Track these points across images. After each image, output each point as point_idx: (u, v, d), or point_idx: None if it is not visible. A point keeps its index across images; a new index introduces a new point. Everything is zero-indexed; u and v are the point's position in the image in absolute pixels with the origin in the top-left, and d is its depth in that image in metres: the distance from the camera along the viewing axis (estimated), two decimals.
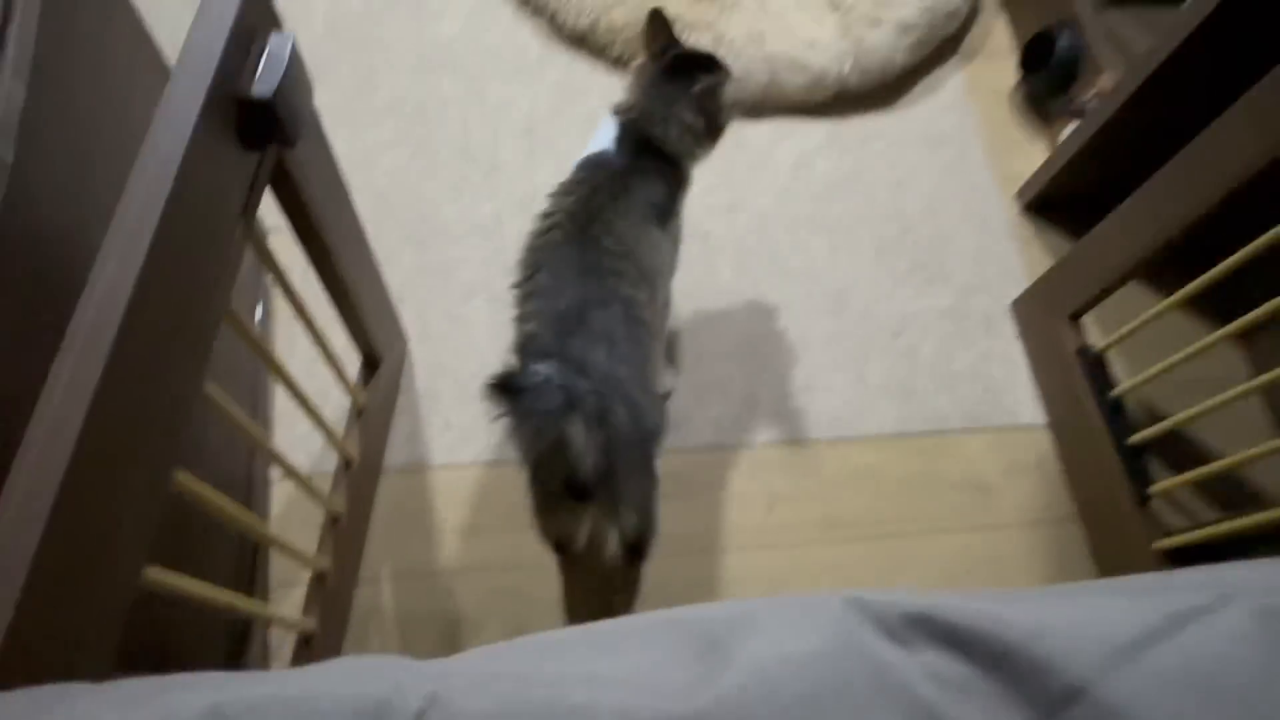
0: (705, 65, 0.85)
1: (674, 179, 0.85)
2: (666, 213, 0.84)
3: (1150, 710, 0.18)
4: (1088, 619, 0.21)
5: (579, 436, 0.64)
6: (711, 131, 0.85)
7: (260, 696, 0.30)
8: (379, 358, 0.95)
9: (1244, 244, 0.83)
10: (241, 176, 0.59)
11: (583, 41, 1.27)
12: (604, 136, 0.84)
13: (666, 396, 1.04)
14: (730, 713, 0.18)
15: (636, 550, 0.78)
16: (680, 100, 0.83)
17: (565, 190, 0.80)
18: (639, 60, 0.88)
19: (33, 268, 0.55)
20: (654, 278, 0.80)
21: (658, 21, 0.85)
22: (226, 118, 0.55)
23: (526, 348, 0.70)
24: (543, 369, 0.64)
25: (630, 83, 0.87)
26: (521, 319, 0.75)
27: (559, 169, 0.84)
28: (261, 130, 0.58)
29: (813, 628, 0.20)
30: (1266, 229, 0.80)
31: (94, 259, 0.46)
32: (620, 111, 0.85)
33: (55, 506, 0.39)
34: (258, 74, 0.58)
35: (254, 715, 0.29)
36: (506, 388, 0.61)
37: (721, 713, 0.18)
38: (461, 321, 1.09)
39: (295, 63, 0.58)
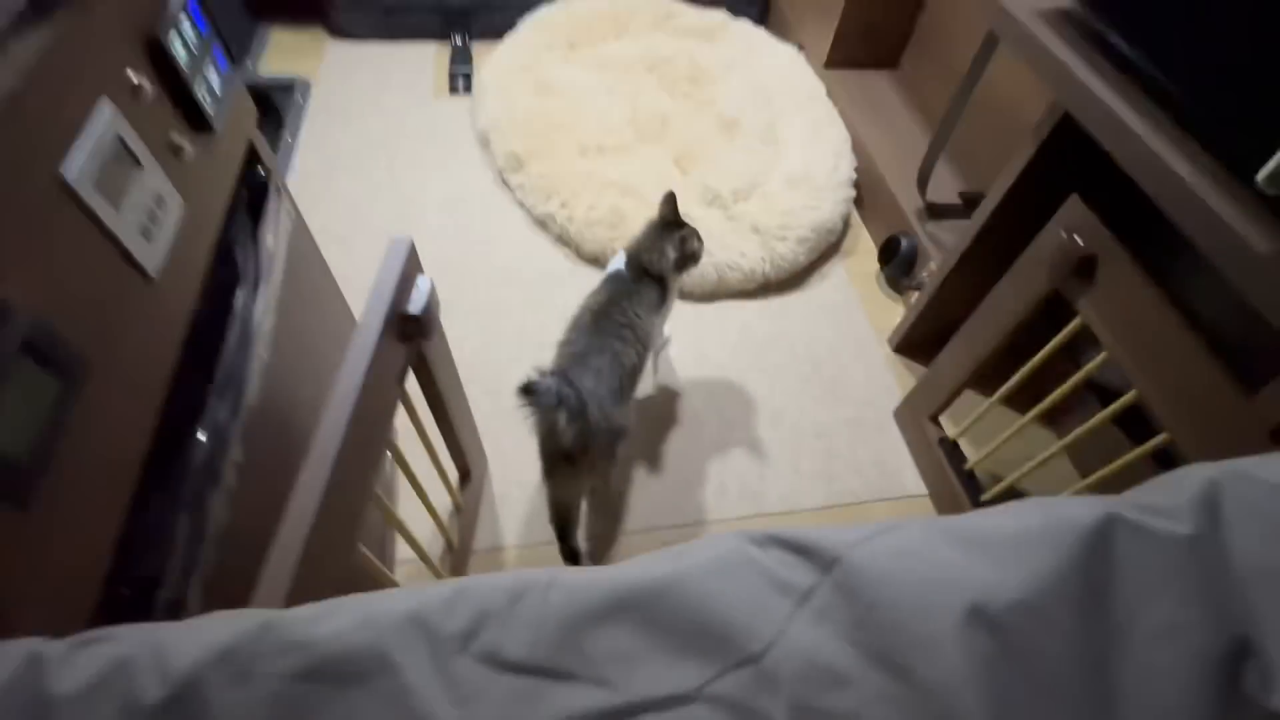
0: (681, 226, 1.03)
1: (661, 288, 1.02)
2: (656, 305, 1.01)
3: (870, 565, 0.28)
4: (846, 530, 0.30)
5: (562, 422, 0.81)
6: (681, 265, 1.03)
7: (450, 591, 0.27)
8: (470, 471, 1.03)
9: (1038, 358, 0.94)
10: (400, 359, 0.70)
11: (595, 261, 1.41)
12: (618, 262, 1.03)
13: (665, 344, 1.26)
14: (680, 578, 0.27)
15: (600, 482, 0.99)
16: (665, 243, 1.01)
17: (595, 292, 1.00)
18: (649, 219, 1.06)
19: (279, 420, 0.67)
20: (645, 339, 0.97)
21: (670, 200, 1.04)
22: (394, 326, 0.66)
23: (546, 371, 0.84)
24: (548, 381, 0.79)
25: (639, 232, 1.05)
26: (554, 359, 0.92)
27: None
28: (413, 332, 0.69)
29: (720, 544, 0.29)
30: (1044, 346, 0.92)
31: (313, 413, 0.58)
32: (628, 249, 1.03)
33: (307, 540, 0.49)
34: (411, 299, 0.70)
35: (448, 608, 0.26)
36: (526, 389, 0.77)
37: (677, 577, 0.27)
38: (523, 447, 1.15)
39: (432, 292, 0.72)
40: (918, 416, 1.18)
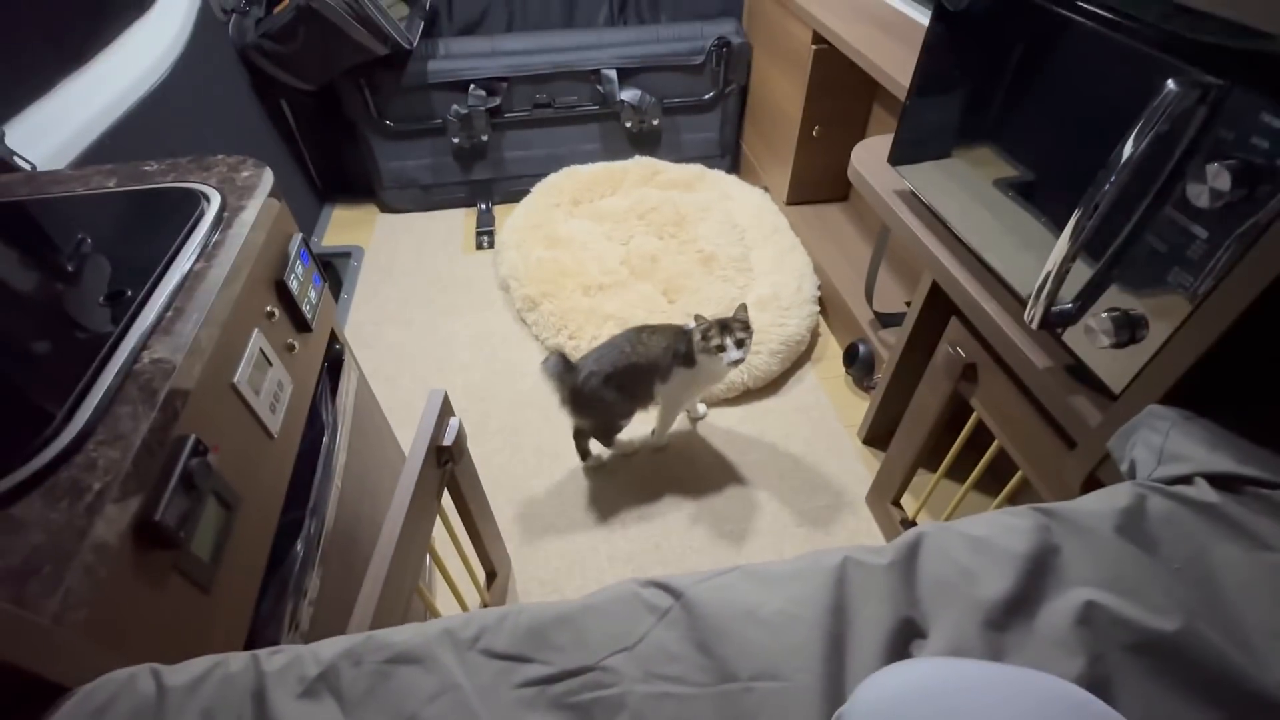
0: (723, 326, 1.26)
1: (688, 358, 1.31)
2: (673, 360, 1.32)
3: (702, 595, 0.47)
4: (694, 575, 0.49)
5: (556, 382, 1.31)
6: (689, 356, 1.30)
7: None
8: (496, 571, 1.20)
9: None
10: (436, 479, 0.93)
11: None
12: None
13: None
14: (595, 603, 0.47)
15: (597, 436, 1.45)
16: (693, 334, 1.28)
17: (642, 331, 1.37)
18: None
19: (348, 532, 0.89)
20: (652, 364, 1.33)
21: (740, 308, 1.29)
22: (433, 454, 0.88)
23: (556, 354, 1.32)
24: (552, 359, 1.31)
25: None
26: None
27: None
28: (446, 458, 0.93)
29: (621, 586, 0.49)
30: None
31: (370, 525, 0.80)
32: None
33: (385, 586, 0.69)
34: (445, 434, 0.95)
35: (464, 625, 0.47)
36: (543, 363, 1.28)
37: (593, 603, 0.46)
38: (540, 550, 1.34)
39: (460, 429, 0.95)
40: (882, 501, 1.34)
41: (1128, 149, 0.61)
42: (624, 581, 0.49)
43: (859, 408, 1.60)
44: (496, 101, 2.08)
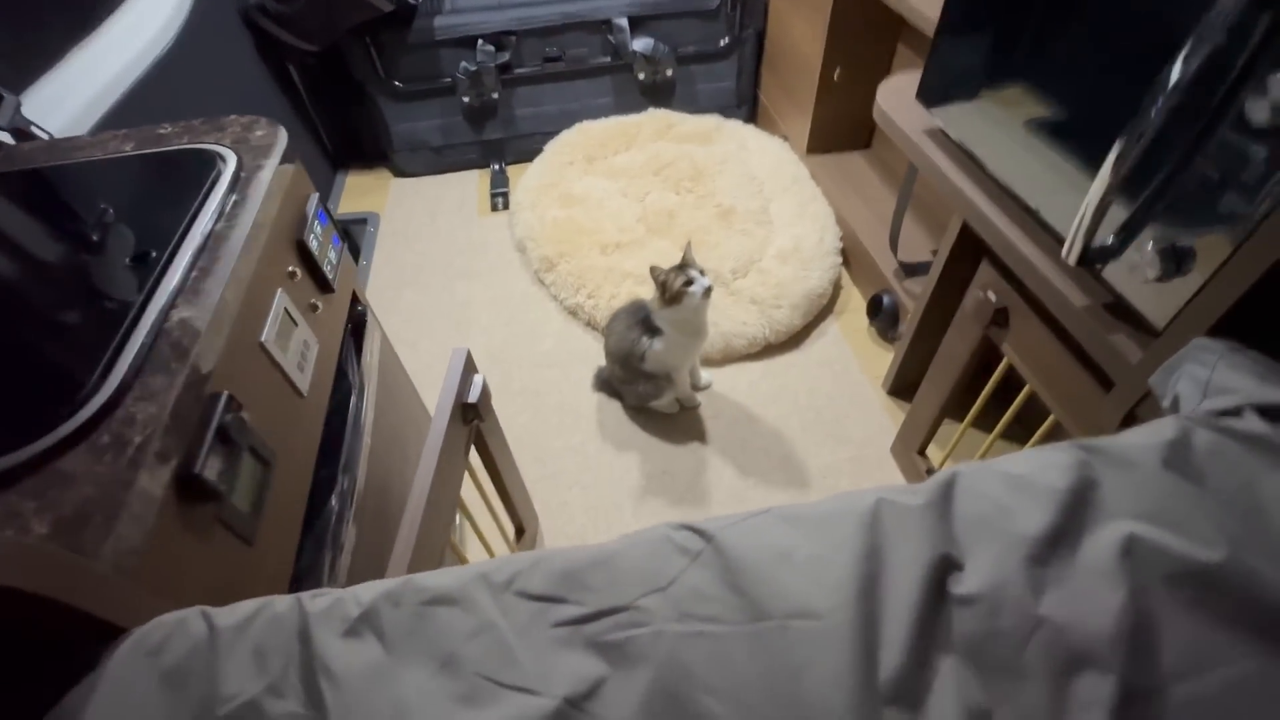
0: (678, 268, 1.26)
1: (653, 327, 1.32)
2: (651, 330, 1.32)
3: (733, 538, 0.47)
4: (725, 517, 0.49)
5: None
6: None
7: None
8: (524, 527, 1.23)
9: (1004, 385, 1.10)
10: (464, 437, 0.94)
11: None
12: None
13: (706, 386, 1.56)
14: (628, 547, 0.47)
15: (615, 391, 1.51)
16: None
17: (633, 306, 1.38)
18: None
19: (380, 487, 0.91)
20: (652, 336, 1.33)
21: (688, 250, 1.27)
22: (458, 410, 0.89)
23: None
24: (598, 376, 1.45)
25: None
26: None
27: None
28: (472, 416, 0.94)
29: (653, 530, 0.49)
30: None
31: (400, 481, 0.81)
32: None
33: (418, 540, 0.71)
34: (470, 391, 0.96)
35: (498, 569, 0.52)
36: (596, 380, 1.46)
37: (626, 546, 0.47)
38: (566, 505, 1.36)
39: (484, 386, 0.96)
40: (908, 451, 1.33)
41: (1176, 70, 0.57)
42: (655, 526, 0.49)
43: (883, 360, 1.58)
44: (506, 57, 2.02)
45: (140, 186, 0.74)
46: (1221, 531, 0.42)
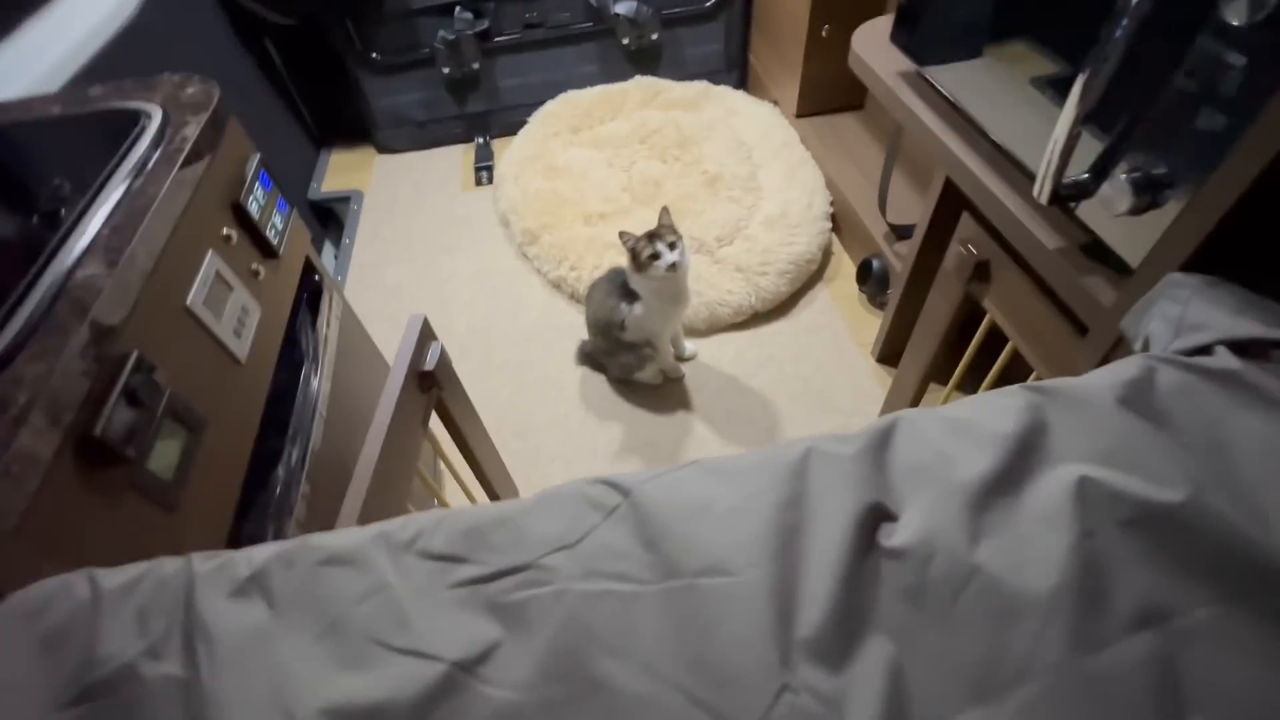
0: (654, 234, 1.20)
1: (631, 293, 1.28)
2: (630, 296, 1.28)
3: (652, 493, 0.44)
4: (645, 472, 0.46)
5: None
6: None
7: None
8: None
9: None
10: (421, 404, 0.91)
11: None
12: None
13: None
14: (539, 502, 0.44)
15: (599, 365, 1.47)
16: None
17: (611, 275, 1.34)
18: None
19: (335, 460, 0.89)
20: (631, 302, 1.28)
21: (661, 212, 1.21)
22: (414, 380, 0.87)
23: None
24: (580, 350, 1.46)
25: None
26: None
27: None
28: (430, 384, 0.91)
29: (571, 485, 0.46)
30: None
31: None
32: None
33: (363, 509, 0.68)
34: (426, 359, 0.93)
35: (400, 528, 0.44)
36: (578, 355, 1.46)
37: (536, 502, 0.44)
38: (548, 479, 1.33)
39: (443, 353, 0.93)
40: None
41: None
42: (573, 481, 0.46)
43: (873, 327, 1.53)
44: (485, 24, 1.96)
45: (59, 147, 0.72)
46: (1182, 471, 0.38)
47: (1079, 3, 0.63)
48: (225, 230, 0.73)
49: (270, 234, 0.82)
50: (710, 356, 1.52)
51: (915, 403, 1.22)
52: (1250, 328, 0.44)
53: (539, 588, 0.39)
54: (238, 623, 0.39)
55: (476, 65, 2.04)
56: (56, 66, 1.16)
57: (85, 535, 0.49)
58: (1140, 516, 0.37)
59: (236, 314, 0.72)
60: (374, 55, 1.99)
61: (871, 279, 1.51)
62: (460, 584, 0.40)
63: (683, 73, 2.17)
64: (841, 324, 1.56)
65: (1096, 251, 0.65)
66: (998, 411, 0.44)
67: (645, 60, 2.15)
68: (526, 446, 1.40)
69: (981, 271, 0.92)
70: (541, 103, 2.11)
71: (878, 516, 0.40)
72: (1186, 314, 0.49)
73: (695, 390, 1.46)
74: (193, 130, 0.71)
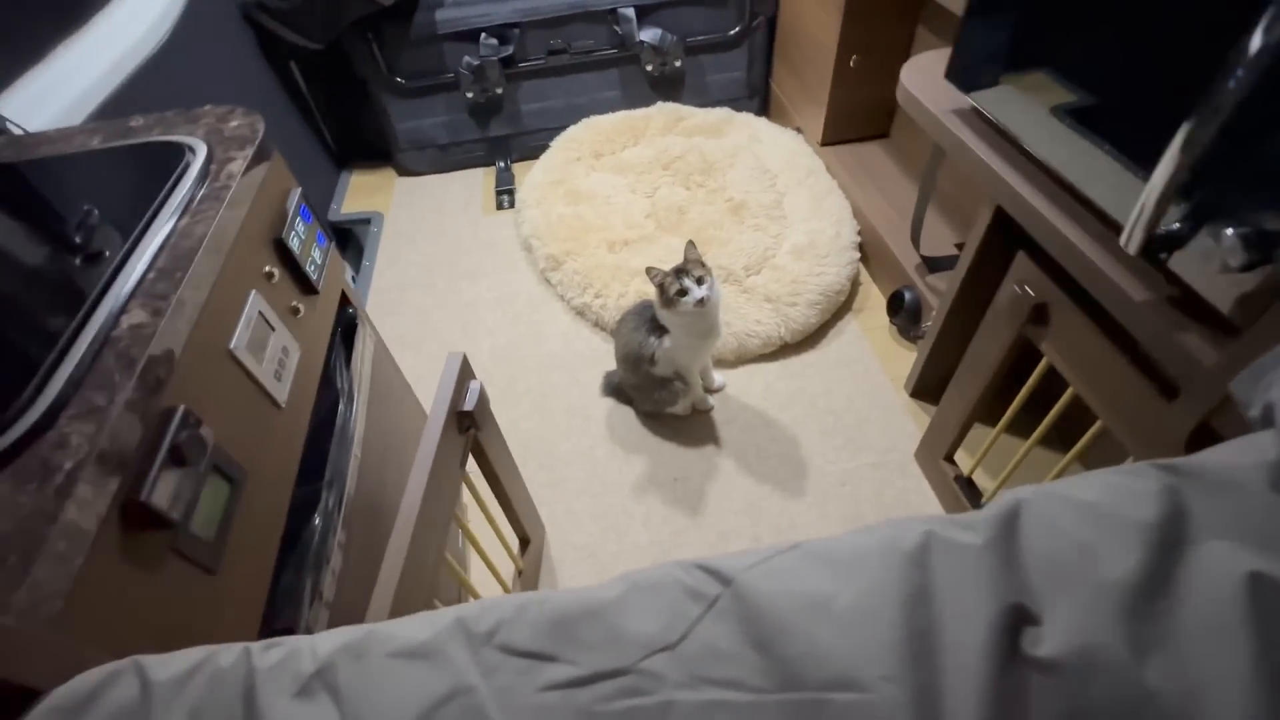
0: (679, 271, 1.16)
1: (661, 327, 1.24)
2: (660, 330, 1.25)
3: (756, 581, 0.39)
4: (745, 555, 0.41)
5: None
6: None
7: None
8: (530, 538, 1.17)
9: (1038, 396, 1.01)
10: (459, 446, 0.86)
11: None
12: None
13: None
14: (629, 592, 0.40)
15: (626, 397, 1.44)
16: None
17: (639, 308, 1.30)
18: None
19: (370, 502, 0.84)
20: (660, 335, 1.25)
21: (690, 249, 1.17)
22: (453, 419, 0.82)
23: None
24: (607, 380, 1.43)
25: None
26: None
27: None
28: (468, 424, 0.86)
29: (661, 570, 0.41)
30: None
31: (394, 493, 0.74)
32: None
33: (394, 599, 0.64)
34: (465, 399, 0.89)
35: (479, 616, 0.38)
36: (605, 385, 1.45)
37: (626, 592, 0.39)
38: (574, 514, 1.29)
39: (482, 393, 0.89)
40: (934, 457, 1.24)
41: (1258, 39, 0.49)
42: (664, 565, 0.41)
43: (905, 360, 1.49)
44: (509, 50, 1.95)
45: (101, 182, 0.68)
46: None
47: (1161, 45, 0.60)
48: (267, 268, 0.70)
49: (310, 269, 0.78)
50: (739, 388, 1.48)
51: (958, 442, 1.18)
52: None
53: (641, 697, 0.35)
54: None
55: (500, 90, 2.02)
56: (88, 92, 1.14)
57: (127, 612, 0.44)
58: None
59: (278, 356, 0.68)
60: (398, 79, 1.98)
61: (904, 311, 1.47)
62: (551, 687, 0.36)
63: (705, 99, 2.15)
64: (872, 356, 1.52)
65: (1189, 305, 0.61)
66: (1130, 496, 0.40)
67: (667, 86, 2.14)
68: (553, 478, 1.36)
69: (1038, 314, 0.89)
70: (563, 127, 2.09)
71: (1019, 620, 0.36)
72: None
73: (724, 423, 1.42)
74: (239, 166, 0.67)
